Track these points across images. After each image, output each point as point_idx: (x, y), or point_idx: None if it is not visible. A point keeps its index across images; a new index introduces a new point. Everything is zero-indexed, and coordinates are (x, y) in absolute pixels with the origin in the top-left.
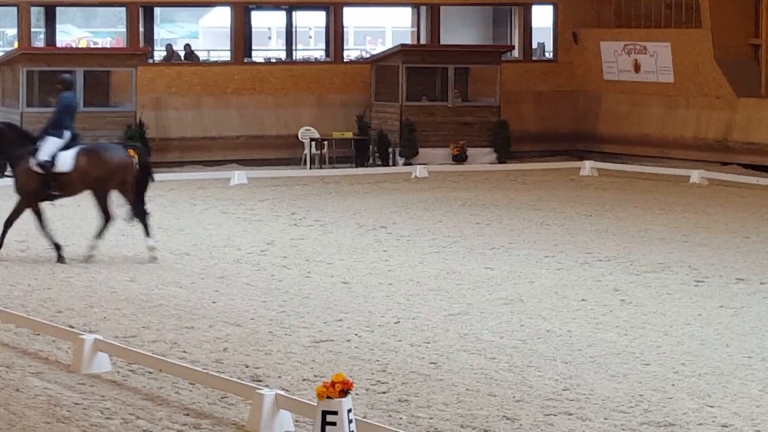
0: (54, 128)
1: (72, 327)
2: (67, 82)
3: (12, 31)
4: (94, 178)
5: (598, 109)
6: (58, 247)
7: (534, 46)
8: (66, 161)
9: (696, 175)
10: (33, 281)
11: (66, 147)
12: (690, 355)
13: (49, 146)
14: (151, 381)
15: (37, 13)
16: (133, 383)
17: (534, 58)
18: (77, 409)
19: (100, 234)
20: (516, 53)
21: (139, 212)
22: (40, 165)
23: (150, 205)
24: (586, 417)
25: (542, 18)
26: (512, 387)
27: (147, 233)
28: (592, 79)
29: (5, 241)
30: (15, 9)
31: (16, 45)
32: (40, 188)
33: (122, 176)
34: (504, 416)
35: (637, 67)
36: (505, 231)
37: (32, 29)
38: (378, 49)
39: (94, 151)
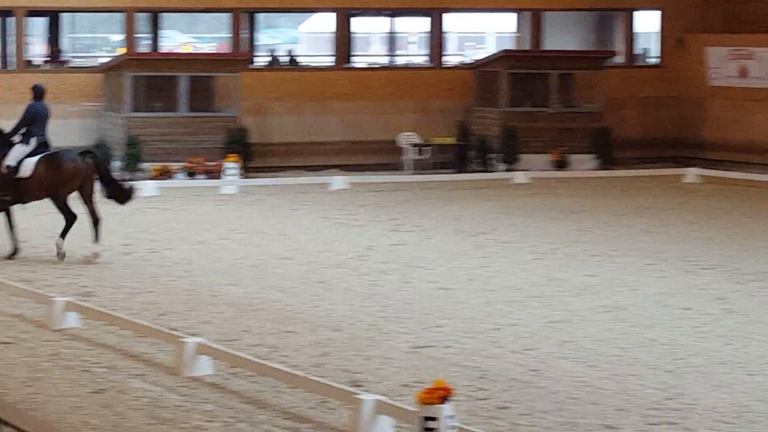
0: (19, 135)
1: (174, 330)
2: (37, 91)
3: (117, 37)
4: (49, 184)
5: (703, 115)
6: (15, 251)
7: (637, 51)
8: (27, 167)
9: None
10: (137, 284)
11: (33, 154)
12: None
13: (15, 152)
14: (252, 384)
15: (142, 19)
16: (234, 386)
17: (637, 64)
18: (179, 411)
19: (63, 234)
20: (619, 59)
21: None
22: (7, 168)
23: (251, 210)
24: (690, 427)
25: (646, 23)
26: (614, 396)
27: (96, 238)
28: (697, 84)
29: None
30: (121, 15)
31: (121, 50)
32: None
33: (78, 183)
34: (605, 425)
35: (743, 73)
36: (607, 238)
37: (137, 35)
38: (479, 54)
39: (52, 158)
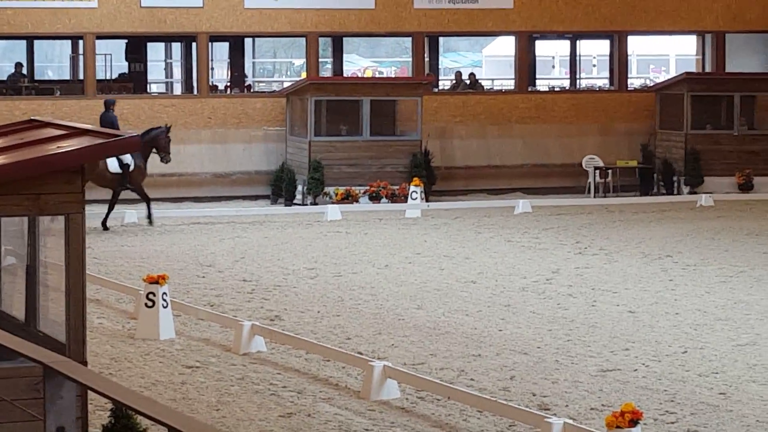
0: None
1: (361, 354)
2: (105, 103)
3: (299, 61)
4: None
5: None
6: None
7: None
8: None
9: None
10: (322, 308)
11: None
12: None
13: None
14: (440, 408)
15: (324, 43)
16: (421, 410)
17: None
18: None
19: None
20: None
21: None
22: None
23: (435, 233)
24: None
25: None
26: None
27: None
28: None
29: None
30: (303, 39)
31: (303, 75)
32: None
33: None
34: None
35: None
36: None
37: (319, 59)
38: (662, 77)
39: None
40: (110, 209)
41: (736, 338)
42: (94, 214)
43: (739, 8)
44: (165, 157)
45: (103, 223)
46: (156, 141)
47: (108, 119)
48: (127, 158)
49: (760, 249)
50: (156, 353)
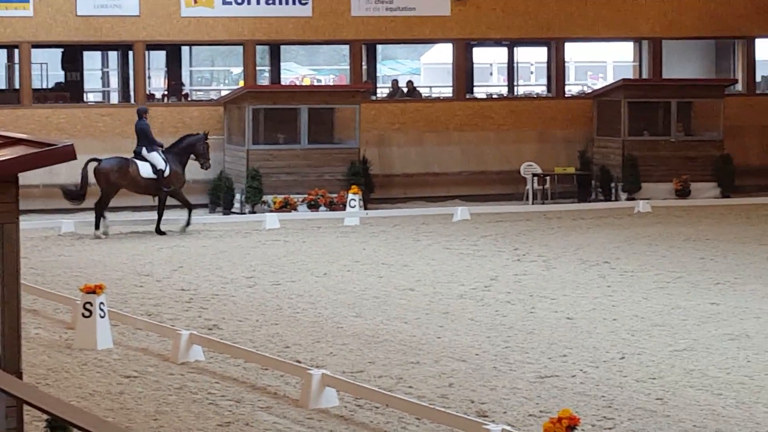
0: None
1: (300, 362)
2: (137, 111)
3: (237, 70)
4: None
5: None
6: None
7: (758, 79)
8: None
9: None
10: (261, 317)
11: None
12: None
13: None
14: (378, 416)
15: (261, 52)
16: (360, 418)
17: (758, 92)
18: None
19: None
20: (739, 86)
21: None
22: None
23: (374, 241)
24: None
25: (767, 51)
26: (740, 424)
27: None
28: None
29: None
30: (241, 48)
31: (241, 83)
32: None
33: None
34: None
35: None
36: (730, 266)
37: (257, 67)
38: (599, 83)
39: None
40: (159, 215)
41: (673, 344)
42: (118, 221)
43: (676, 15)
44: (204, 164)
45: (157, 229)
46: (193, 148)
47: (139, 127)
48: (160, 163)
49: (697, 255)
50: (93, 363)
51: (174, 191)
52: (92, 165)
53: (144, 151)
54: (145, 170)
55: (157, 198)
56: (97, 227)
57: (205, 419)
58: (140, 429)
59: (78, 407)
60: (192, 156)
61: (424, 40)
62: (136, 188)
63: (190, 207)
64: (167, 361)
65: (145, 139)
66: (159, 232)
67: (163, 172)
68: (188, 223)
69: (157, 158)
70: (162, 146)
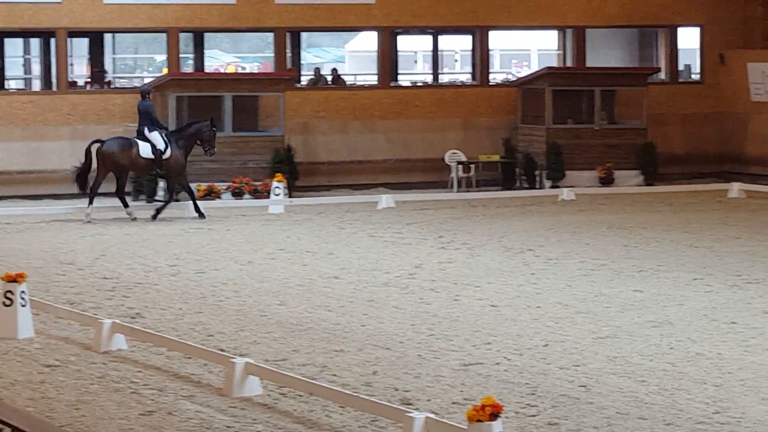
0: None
1: (223, 351)
2: (143, 91)
3: (161, 57)
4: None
5: (746, 130)
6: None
7: (680, 68)
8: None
9: None
10: (184, 305)
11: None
12: None
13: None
14: (302, 404)
15: (185, 39)
16: (283, 406)
17: (680, 80)
18: None
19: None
20: (662, 75)
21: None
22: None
23: (298, 229)
24: None
25: (688, 40)
26: (662, 410)
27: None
28: (739, 100)
29: None
30: (164, 35)
31: (165, 71)
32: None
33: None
34: None
35: None
36: (653, 253)
37: (181, 55)
38: (524, 72)
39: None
40: (192, 197)
41: (596, 331)
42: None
43: (600, 3)
44: (210, 150)
45: (197, 210)
46: (199, 134)
47: (142, 107)
48: (161, 144)
49: (620, 242)
50: (14, 352)
51: (166, 175)
52: (95, 146)
53: (146, 130)
54: (144, 150)
55: (165, 183)
56: (126, 206)
57: (128, 408)
58: (61, 418)
59: None
60: (198, 142)
61: (349, 28)
62: (135, 168)
63: (170, 199)
64: (89, 350)
65: (147, 119)
66: (199, 214)
67: (162, 153)
68: (198, 210)
69: (157, 138)
70: (167, 129)
